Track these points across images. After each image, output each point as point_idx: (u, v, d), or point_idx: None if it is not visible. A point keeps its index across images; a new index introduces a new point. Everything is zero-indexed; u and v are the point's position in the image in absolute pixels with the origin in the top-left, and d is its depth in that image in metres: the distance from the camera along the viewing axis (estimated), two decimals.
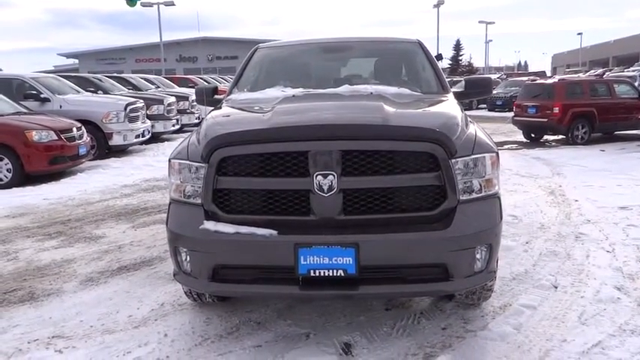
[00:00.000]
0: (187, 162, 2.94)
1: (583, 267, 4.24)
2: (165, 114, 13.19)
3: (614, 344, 3.00)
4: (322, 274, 2.69)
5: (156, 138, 12.99)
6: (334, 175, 2.67)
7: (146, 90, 14.94)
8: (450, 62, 66.01)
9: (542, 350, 2.95)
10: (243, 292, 2.94)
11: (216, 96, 4.30)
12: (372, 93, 3.56)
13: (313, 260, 2.68)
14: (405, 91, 3.76)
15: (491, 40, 55.90)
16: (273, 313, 3.48)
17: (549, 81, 14.42)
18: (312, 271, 2.69)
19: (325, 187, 2.67)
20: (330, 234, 2.70)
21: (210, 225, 2.80)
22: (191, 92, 16.14)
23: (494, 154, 2.94)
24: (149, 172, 9.37)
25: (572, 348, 2.97)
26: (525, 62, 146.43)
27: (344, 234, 2.70)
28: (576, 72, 38.79)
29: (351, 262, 2.67)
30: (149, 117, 12.24)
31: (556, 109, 12.15)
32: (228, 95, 4.08)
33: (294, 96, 3.60)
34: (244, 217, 2.82)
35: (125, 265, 4.57)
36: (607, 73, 25.59)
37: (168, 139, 13.69)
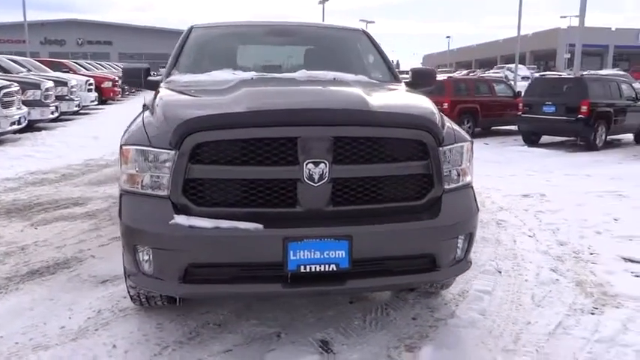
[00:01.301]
0: (148, 148, 2.57)
1: (515, 252, 4.46)
2: (43, 100, 11.84)
3: (572, 324, 3.16)
4: (313, 269, 2.49)
5: (31, 126, 11.62)
6: (326, 164, 2.48)
7: (17, 73, 13.28)
8: None
9: (513, 334, 3.02)
10: (220, 292, 2.64)
11: (150, 77, 3.86)
12: (334, 79, 3.40)
13: (303, 255, 2.47)
14: (364, 78, 3.65)
15: None
16: (231, 314, 3.20)
17: (439, 78, 15.20)
18: (302, 267, 2.48)
19: (316, 176, 2.48)
20: (318, 226, 2.51)
21: (181, 219, 2.47)
22: (70, 77, 14.75)
23: (469, 143, 2.94)
24: (33, 163, 8.33)
25: (538, 329, 3.07)
26: (397, 61, 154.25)
27: (335, 226, 2.52)
28: (447, 72, 41.65)
29: (343, 256, 2.50)
30: (24, 103, 10.92)
31: (445, 105, 12.83)
32: (167, 77, 3.68)
33: (252, 79, 3.32)
34: (220, 209, 2.52)
35: (36, 268, 3.95)
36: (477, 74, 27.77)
37: (45, 128, 12.34)
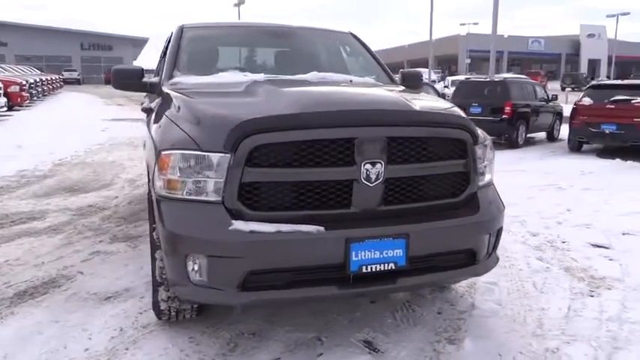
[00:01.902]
0: (197, 152, 2.47)
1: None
2: None
3: (579, 307, 3.42)
4: (373, 269, 2.52)
5: None
6: (381, 164, 2.52)
7: None
8: None
9: (535, 320, 3.21)
10: (280, 298, 2.57)
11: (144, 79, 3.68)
12: (351, 80, 3.44)
13: (365, 255, 2.49)
14: (370, 80, 3.72)
15: None
16: (262, 322, 3.14)
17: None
18: (363, 267, 2.50)
19: (373, 176, 2.51)
20: (375, 226, 2.54)
21: (241, 225, 2.40)
22: None
23: (491, 142, 3.10)
24: None
25: (554, 314, 3.30)
26: None
27: (390, 225, 2.56)
28: None
29: (401, 254, 2.55)
30: None
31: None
32: (169, 78, 3.53)
33: (270, 80, 3.28)
34: (275, 213, 2.48)
35: (23, 289, 3.63)
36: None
37: None
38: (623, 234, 5.08)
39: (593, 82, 12.96)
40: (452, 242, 2.73)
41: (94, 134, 12.97)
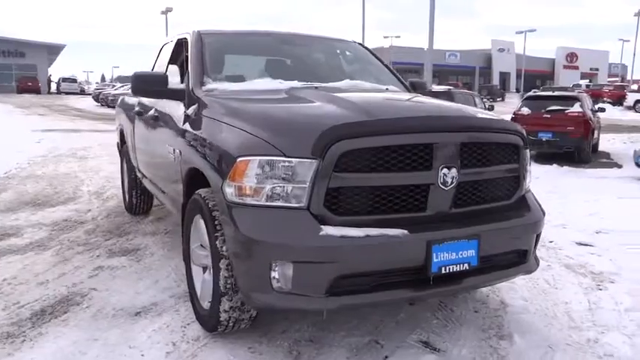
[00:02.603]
0: (281, 158, 2.45)
1: None
2: None
3: (595, 299, 3.68)
4: (451, 269, 2.61)
5: None
6: (456, 168, 2.62)
7: None
8: None
9: (564, 314, 3.43)
10: (365, 302, 2.57)
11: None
12: (387, 89, 3.53)
13: (444, 257, 2.58)
14: (395, 88, 3.83)
15: None
16: (314, 328, 3.13)
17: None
18: (442, 268, 2.58)
19: (448, 180, 2.60)
20: (448, 228, 2.63)
21: (332, 230, 2.41)
22: None
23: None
24: None
25: (577, 307, 3.53)
26: None
27: (462, 227, 2.66)
28: None
29: (473, 255, 2.66)
30: None
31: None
32: (201, 85, 3.45)
33: (316, 88, 3.30)
34: (356, 218, 2.51)
35: (38, 309, 3.39)
36: None
37: None
38: (597, 232, 5.50)
39: (529, 94, 13.86)
40: (513, 242, 2.88)
41: (29, 145, 12.21)
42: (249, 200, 2.51)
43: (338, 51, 4.42)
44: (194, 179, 3.22)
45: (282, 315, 3.21)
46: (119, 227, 5.46)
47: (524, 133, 3.00)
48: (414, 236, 2.51)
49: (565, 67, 71.46)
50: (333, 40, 4.57)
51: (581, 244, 5.06)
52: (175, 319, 3.23)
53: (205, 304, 3.04)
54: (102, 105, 37.03)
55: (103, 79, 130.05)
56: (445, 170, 2.58)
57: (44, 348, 2.89)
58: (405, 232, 2.50)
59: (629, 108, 38.45)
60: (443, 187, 2.60)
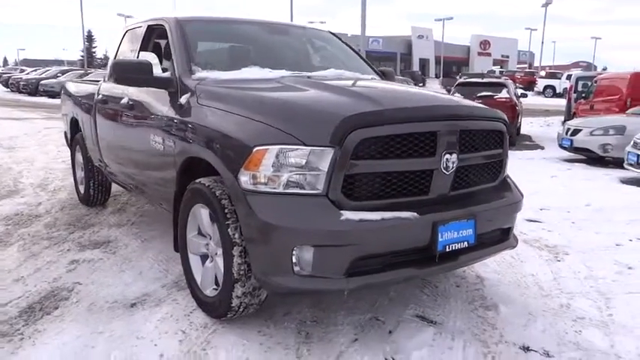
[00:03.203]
0: (298, 147, 2.54)
1: None
2: None
3: (557, 270, 4.06)
4: (453, 247, 2.82)
5: None
6: (456, 154, 2.82)
7: None
8: (82, 54, 61.53)
9: (533, 283, 3.77)
10: (379, 281, 2.71)
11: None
12: (372, 78, 3.68)
13: (447, 236, 2.78)
14: (375, 76, 3.99)
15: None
16: (314, 309, 3.25)
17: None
18: (447, 247, 2.79)
19: (450, 165, 2.80)
20: (449, 210, 2.84)
21: (351, 214, 2.54)
22: None
23: None
24: None
25: (544, 278, 3.88)
26: None
27: (460, 208, 2.88)
28: None
29: (471, 233, 2.89)
30: None
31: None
32: (191, 74, 3.43)
33: (309, 77, 3.39)
34: (368, 202, 2.65)
35: (25, 305, 3.28)
36: None
37: None
38: (541, 209, 5.99)
39: (460, 80, 14.54)
40: (500, 221, 3.14)
41: None
42: (266, 188, 2.59)
43: (315, 40, 4.51)
44: (189, 169, 3.23)
45: (279, 299, 3.30)
46: (79, 220, 5.28)
47: (507, 121, 3.26)
48: (423, 218, 2.69)
49: (479, 54, 74.97)
50: (311, 29, 4.66)
51: (530, 220, 5.50)
52: (176, 308, 3.24)
53: (209, 292, 3.09)
54: (12, 91, 34.59)
55: (5, 62, 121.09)
56: (447, 156, 2.78)
57: (48, 344, 2.82)
58: (415, 214, 2.67)
59: (538, 93, 41.14)
60: (445, 171, 2.80)
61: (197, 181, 3.05)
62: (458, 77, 45.22)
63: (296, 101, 2.89)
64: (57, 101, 26.52)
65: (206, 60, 3.69)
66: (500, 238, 3.24)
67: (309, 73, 3.62)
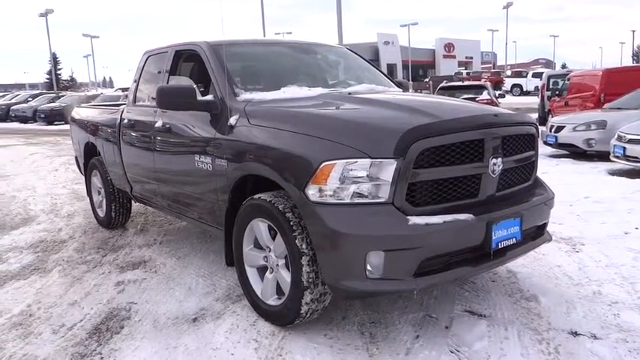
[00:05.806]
0: (364, 160, 2.74)
1: None
2: None
3: (579, 260, 4.34)
4: (505, 244, 3.06)
5: None
6: (501, 158, 3.07)
7: None
8: (48, 77, 60.47)
9: (562, 274, 4.04)
10: (444, 280, 2.94)
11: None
12: (402, 90, 3.91)
13: (499, 234, 3.02)
14: (397, 89, 4.25)
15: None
16: (370, 311, 3.45)
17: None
18: (499, 244, 3.02)
19: (496, 169, 3.05)
20: (498, 210, 3.07)
21: (417, 219, 2.75)
22: None
23: None
24: None
25: (570, 268, 4.15)
26: (110, 78, 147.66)
27: (507, 207, 3.12)
28: None
29: (518, 230, 3.13)
30: None
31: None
32: (235, 96, 3.61)
33: (349, 94, 3.60)
34: (428, 207, 2.87)
35: (90, 327, 3.38)
36: None
37: None
38: None
39: (442, 84, 14.97)
40: (540, 217, 3.40)
41: None
42: (334, 199, 2.78)
43: (338, 57, 4.73)
44: (242, 186, 3.40)
45: (332, 304, 3.48)
46: (106, 242, 5.36)
47: (537, 125, 3.54)
48: (478, 218, 2.92)
49: (444, 56, 76.38)
50: (332, 46, 4.88)
51: None
52: (239, 319, 3.39)
53: (271, 302, 3.25)
54: None
55: None
56: (494, 160, 3.02)
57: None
58: (471, 215, 2.90)
59: (506, 92, 42.20)
60: (492, 174, 3.04)
61: (256, 196, 3.22)
62: (426, 80, 46.05)
63: (356, 117, 3.10)
64: (31, 126, 26.39)
65: (250, 82, 3.87)
66: (537, 233, 3.49)
67: (345, 89, 3.83)
